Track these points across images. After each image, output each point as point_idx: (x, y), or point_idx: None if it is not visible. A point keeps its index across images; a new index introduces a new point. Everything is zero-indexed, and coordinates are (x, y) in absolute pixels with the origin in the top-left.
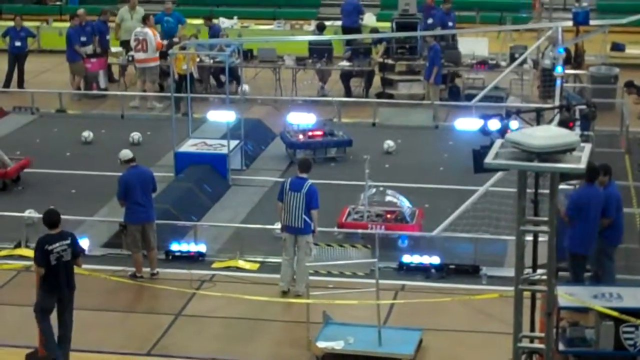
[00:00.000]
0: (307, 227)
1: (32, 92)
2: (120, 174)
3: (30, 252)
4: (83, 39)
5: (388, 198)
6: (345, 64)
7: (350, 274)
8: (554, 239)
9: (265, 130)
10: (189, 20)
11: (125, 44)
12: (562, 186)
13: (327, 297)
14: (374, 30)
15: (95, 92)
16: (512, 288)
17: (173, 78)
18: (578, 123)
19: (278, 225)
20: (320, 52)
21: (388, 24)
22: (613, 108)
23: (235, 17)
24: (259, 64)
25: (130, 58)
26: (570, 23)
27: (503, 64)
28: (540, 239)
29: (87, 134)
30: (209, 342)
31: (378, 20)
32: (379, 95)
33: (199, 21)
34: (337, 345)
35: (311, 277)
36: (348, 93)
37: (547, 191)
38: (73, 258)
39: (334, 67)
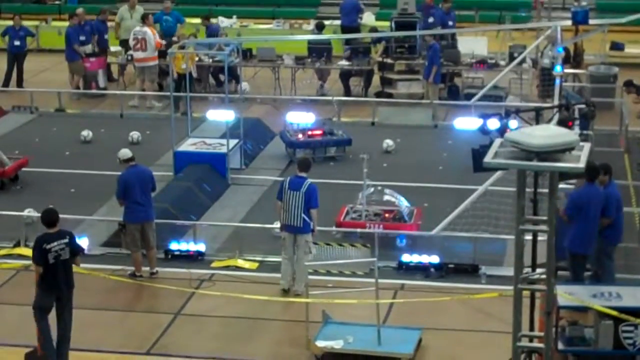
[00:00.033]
0: (307, 226)
1: (31, 92)
2: (119, 173)
3: (29, 251)
4: (82, 38)
5: (386, 197)
6: (344, 63)
7: (350, 273)
8: (553, 238)
9: (264, 129)
10: (188, 20)
11: (124, 43)
12: (563, 185)
13: (327, 297)
14: (373, 29)
15: (94, 91)
16: (511, 287)
17: (172, 77)
18: (577, 122)
19: (277, 225)
20: (319, 51)
21: (387, 23)
22: (612, 107)
23: (235, 16)
24: (258, 63)
25: (129, 57)
26: (569, 22)
27: (502, 63)
28: (539, 238)
29: (86, 133)
30: (208, 341)
31: (377, 19)
32: (378, 95)
33: (198, 20)
34: (337, 345)
35: (310, 277)
36: (347, 92)
37: (546, 190)
38: (71, 257)
39: (333, 67)
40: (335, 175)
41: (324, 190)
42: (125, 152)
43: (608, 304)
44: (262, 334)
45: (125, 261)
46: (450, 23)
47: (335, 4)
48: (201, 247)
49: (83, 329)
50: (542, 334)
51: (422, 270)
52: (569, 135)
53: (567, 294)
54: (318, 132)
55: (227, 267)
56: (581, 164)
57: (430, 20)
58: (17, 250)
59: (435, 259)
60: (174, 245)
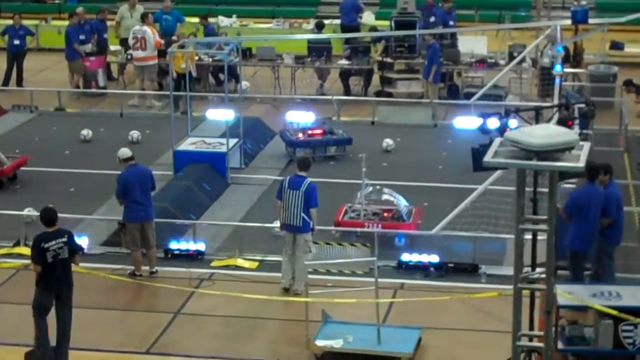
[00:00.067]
0: (306, 225)
1: (31, 91)
2: (119, 172)
3: (29, 251)
4: (82, 37)
5: (385, 196)
6: (344, 62)
7: (349, 273)
8: (553, 237)
9: (264, 128)
10: (187, 19)
11: (124, 42)
12: (567, 185)
13: (326, 296)
14: (373, 28)
15: (94, 90)
16: (511, 286)
17: (172, 77)
18: (577, 122)
19: (277, 224)
20: (319, 50)
21: (387, 23)
22: (612, 107)
23: (234, 16)
24: (258, 62)
25: (128, 56)
26: (569, 21)
27: (502, 62)
28: (539, 237)
29: (86, 133)
30: (208, 341)
31: (377, 18)
32: (378, 94)
33: (198, 20)
34: (336, 344)
35: (310, 276)
36: (347, 91)
37: (546, 190)
38: (70, 256)
39: (333, 66)
40: (335, 175)
41: (323, 189)
42: (125, 152)
43: (608, 304)
44: (262, 333)
45: (125, 260)
46: (451, 23)
47: (335, 3)
48: (201, 246)
49: (83, 328)
50: (541, 333)
51: (421, 270)
52: (568, 134)
53: (566, 294)
54: (318, 131)
55: (226, 267)
56: (581, 164)
57: (432, 19)
58: (17, 250)
59: (435, 258)
60: (173, 245)
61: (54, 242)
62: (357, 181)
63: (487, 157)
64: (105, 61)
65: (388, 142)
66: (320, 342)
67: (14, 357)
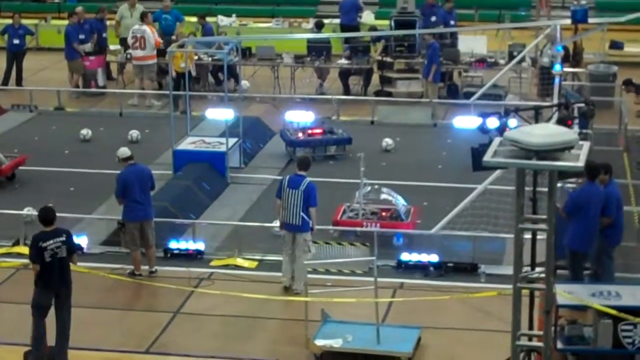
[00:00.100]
0: (305, 224)
1: (31, 90)
2: (118, 171)
3: (28, 250)
4: (81, 36)
5: (383, 196)
6: (343, 62)
7: (349, 272)
8: (552, 237)
9: (263, 128)
10: (187, 18)
11: (124, 42)
12: (569, 185)
13: (326, 295)
14: (373, 28)
15: (93, 89)
16: (510, 286)
17: (171, 76)
18: (576, 121)
19: (277, 223)
20: (318, 50)
21: (386, 22)
22: (611, 106)
23: (234, 15)
24: (258, 61)
25: (128, 56)
26: (568, 21)
27: (501, 62)
28: (538, 237)
29: (85, 132)
30: (207, 340)
31: (376, 18)
32: (378, 93)
33: (196, 19)
34: (336, 343)
35: (309, 275)
36: (347, 91)
37: (545, 189)
38: (68, 255)
39: (333, 65)
40: (335, 174)
41: (323, 188)
42: (124, 151)
43: (607, 303)
44: (261, 332)
45: (124, 260)
46: (452, 22)
47: (334, 2)
48: (200, 245)
49: (82, 328)
50: (541, 332)
51: (421, 269)
52: (568, 134)
53: (566, 293)
54: (318, 130)
55: (226, 266)
56: (580, 163)
57: (433, 19)
58: (16, 249)
59: (434, 257)
60: (173, 244)
61: (52, 242)
62: (356, 181)
63: (487, 157)
64: (105, 61)
65: (388, 141)
66: (319, 342)
67: (13, 356)
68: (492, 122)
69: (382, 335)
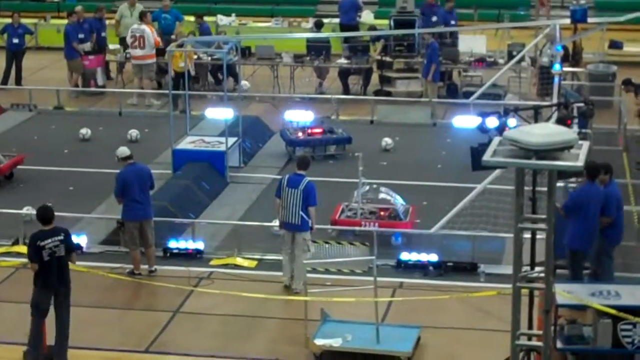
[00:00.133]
0: (305, 224)
1: (30, 89)
2: (117, 171)
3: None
4: (81, 36)
5: (381, 195)
6: (343, 61)
7: (348, 272)
8: (551, 236)
9: (263, 127)
10: (186, 18)
11: (124, 41)
12: (572, 185)
13: (325, 295)
14: (372, 27)
15: (93, 89)
16: (510, 285)
17: (170, 75)
18: (576, 121)
19: (276, 223)
20: (318, 49)
21: (386, 22)
22: (611, 106)
23: (233, 15)
24: (257, 61)
25: (127, 55)
26: (568, 20)
27: (501, 61)
28: (538, 236)
29: (84, 131)
30: (207, 340)
31: (376, 17)
32: (377, 93)
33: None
34: (335, 343)
35: (309, 275)
36: (346, 90)
37: (545, 189)
38: (67, 254)
39: (332, 65)
40: (335, 174)
41: (322, 188)
42: (124, 150)
43: (607, 303)
44: (261, 332)
45: (124, 259)
46: (453, 22)
47: (334, 2)
48: (200, 245)
49: (82, 327)
50: (540, 332)
51: (420, 269)
52: (567, 133)
53: (565, 293)
54: (318, 130)
55: (225, 265)
56: (580, 163)
57: (434, 19)
58: (16, 248)
59: (434, 257)
60: (172, 243)
61: (50, 240)
62: (355, 180)
63: (486, 156)
64: (104, 60)
65: (387, 141)
66: (319, 341)
67: (13, 355)
68: (492, 122)
69: (382, 335)
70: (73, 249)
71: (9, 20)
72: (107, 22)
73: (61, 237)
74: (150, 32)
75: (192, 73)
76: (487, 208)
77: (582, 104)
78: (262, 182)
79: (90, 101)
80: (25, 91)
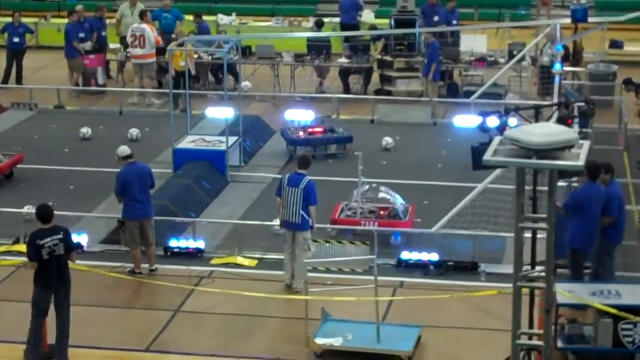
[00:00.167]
0: (305, 223)
1: (31, 88)
2: (118, 170)
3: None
4: (81, 35)
5: (381, 194)
6: (343, 60)
7: (349, 271)
8: (552, 236)
9: (263, 126)
10: (187, 17)
11: (125, 40)
12: (575, 184)
13: (326, 294)
14: (373, 26)
15: (93, 88)
16: (510, 285)
17: (171, 74)
18: (576, 120)
19: (277, 222)
20: (318, 48)
21: (386, 21)
22: (611, 105)
23: (234, 14)
24: (258, 60)
25: (128, 54)
26: (568, 20)
27: (501, 60)
28: (538, 236)
29: (85, 130)
30: (207, 339)
31: (376, 17)
32: (378, 92)
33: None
34: (336, 342)
35: (310, 274)
36: (346, 90)
37: (545, 188)
38: (66, 253)
39: (333, 64)
40: (335, 173)
41: (323, 187)
42: (124, 149)
43: (607, 302)
44: (262, 331)
45: (124, 258)
46: (454, 22)
47: (334, 1)
48: (200, 244)
49: (82, 326)
50: (541, 331)
51: (421, 268)
52: (568, 133)
53: (566, 292)
54: (319, 129)
55: (226, 264)
56: (580, 162)
57: (435, 18)
58: (17, 247)
59: (434, 256)
60: (173, 242)
61: (49, 239)
62: (356, 179)
63: (487, 156)
64: (105, 59)
65: (388, 140)
66: (319, 340)
67: (13, 354)
68: (492, 121)
69: (382, 334)
70: (72, 248)
71: (9, 19)
72: (108, 21)
73: (60, 236)
74: (150, 31)
75: (193, 72)
76: (488, 207)
77: (582, 104)
78: (262, 181)
79: (90, 100)
80: (25, 90)
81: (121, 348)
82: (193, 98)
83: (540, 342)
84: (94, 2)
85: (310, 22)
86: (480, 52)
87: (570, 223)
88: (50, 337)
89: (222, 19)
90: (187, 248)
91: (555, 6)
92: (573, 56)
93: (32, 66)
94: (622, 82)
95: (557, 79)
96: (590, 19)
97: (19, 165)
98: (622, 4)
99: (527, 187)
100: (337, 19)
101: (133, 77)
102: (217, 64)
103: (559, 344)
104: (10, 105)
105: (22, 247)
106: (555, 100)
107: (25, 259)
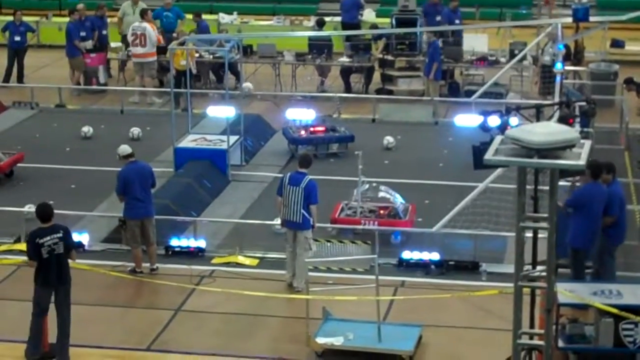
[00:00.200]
0: (306, 222)
1: (32, 87)
2: (119, 169)
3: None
4: (83, 34)
5: (381, 194)
6: (345, 59)
7: (350, 270)
8: (553, 235)
9: (264, 125)
10: (188, 16)
11: (126, 39)
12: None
13: (327, 293)
14: (374, 26)
15: (94, 87)
16: (511, 284)
17: (172, 73)
18: (578, 120)
19: (278, 221)
20: (320, 47)
21: (388, 20)
22: (613, 105)
23: (235, 13)
24: (259, 59)
25: (129, 53)
26: (569, 19)
27: (503, 60)
28: (539, 235)
29: (86, 129)
30: (208, 338)
31: (377, 16)
32: (379, 91)
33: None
34: (337, 341)
35: (311, 273)
36: (348, 89)
37: (546, 188)
38: (66, 252)
39: (334, 63)
40: (336, 172)
41: (324, 186)
42: (125, 149)
43: (608, 302)
44: (263, 330)
45: (125, 257)
46: (457, 21)
47: (335, 0)
48: (201, 243)
49: (83, 325)
50: (542, 331)
51: (422, 267)
52: (569, 132)
53: (567, 292)
54: (321, 128)
55: (227, 264)
56: (582, 162)
57: (438, 18)
58: (18, 246)
59: (435, 256)
60: (174, 242)
61: (48, 238)
62: (356, 178)
63: (488, 155)
64: (106, 58)
65: (389, 139)
66: (320, 340)
67: (14, 353)
68: (494, 121)
69: (383, 333)
70: (72, 247)
71: (10, 18)
72: (109, 20)
73: (60, 235)
74: (151, 30)
75: (194, 71)
76: (489, 207)
77: (584, 103)
78: (263, 180)
79: (92, 99)
80: (27, 89)
81: (122, 347)
82: (194, 97)
83: (541, 342)
84: (95, 0)
85: (312, 21)
86: (481, 52)
87: (572, 222)
88: (52, 336)
89: (224, 17)
90: (188, 247)
91: (556, 5)
92: (574, 55)
93: (33, 65)
94: (623, 82)
95: (558, 78)
96: (591, 18)
97: (19, 164)
98: (623, 4)
99: (528, 187)
100: (339, 18)
101: (134, 76)
102: (219, 63)
103: (560, 343)
104: (12, 104)
105: (23, 246)
106: (557, 99)
107: (26, 257)
